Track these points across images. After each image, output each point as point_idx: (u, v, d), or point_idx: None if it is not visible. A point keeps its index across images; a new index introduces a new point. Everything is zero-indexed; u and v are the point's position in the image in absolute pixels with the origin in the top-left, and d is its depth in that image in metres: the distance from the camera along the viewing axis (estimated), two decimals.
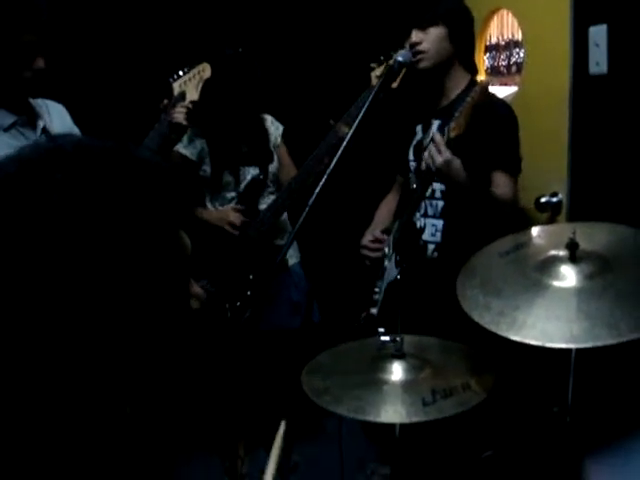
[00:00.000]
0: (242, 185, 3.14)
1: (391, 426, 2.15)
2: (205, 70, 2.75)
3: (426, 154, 2.38)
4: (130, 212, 0.84)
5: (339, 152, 2.19)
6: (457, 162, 2.34)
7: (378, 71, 2.85)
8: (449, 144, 2.29)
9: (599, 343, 1.58)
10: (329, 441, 3.38)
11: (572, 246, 1.77)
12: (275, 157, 3.22)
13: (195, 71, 2.73)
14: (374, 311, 2.72)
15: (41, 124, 2.41)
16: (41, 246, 0.80)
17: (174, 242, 0.90)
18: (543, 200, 2.71)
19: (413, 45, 2.54)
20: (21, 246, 0.80)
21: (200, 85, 2.73)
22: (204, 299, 2.65)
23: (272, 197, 3.18)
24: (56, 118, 2.50)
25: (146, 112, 2.77)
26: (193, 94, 2.71)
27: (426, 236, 2.69)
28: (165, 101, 2.70)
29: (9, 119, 2.32)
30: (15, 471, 0.81)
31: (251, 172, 3.15)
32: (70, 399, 0.83)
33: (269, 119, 3.26)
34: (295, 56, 3.70)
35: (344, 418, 3.05)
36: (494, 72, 3.37)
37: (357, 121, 2.22)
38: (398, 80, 2.62)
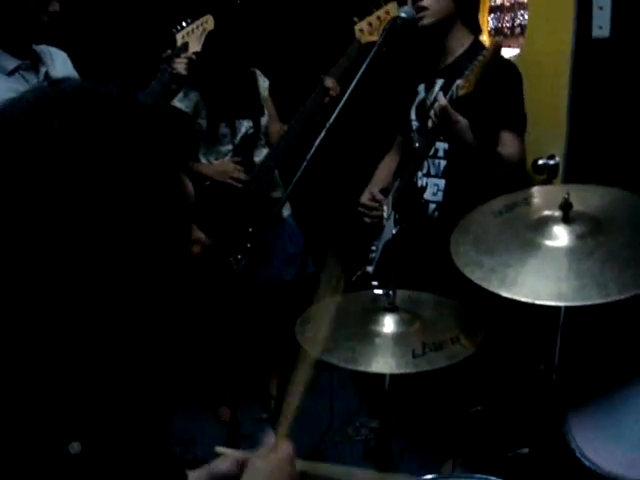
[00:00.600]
0: (238, 137, 3.16)
1: (381, 379, 2.20)
2: (209, 22, 2.76)
3: (432, 114, 2.38)
4: (129, 155, 0.85)
5: (340, 106, 2.20)
6: (463, 122, 2.34)
7: (361, 25, 2.86)
8: (457, 102, 2.29)
9: (588, 302, 1.61)
10: (320, 394, 3.45)
11: (566, 207, 1.80)
12: (265, 111, 3.24)
13: (199, 22, 2.74)
14: (370, 269, 2.75)
15: (43, 69, 2.42)
16: (40, 190, 0.81)
17: (175, 185, 0.91)
18: (540, 162, 2.72)
19: (415, 1, 2.53)
20: (18, 191, 0.82)
21: (203, 37, 2.73)
22: (206, 244, 2.67)
23: (264, 150, 3.21)
24: (59, 64, 2.50)
25: (149, 62, 2.77)
26: (196, 45, 2.72)
27: (427, 195, 2.71)
28: (168, 51, 2.70)
29: (12, 63, 2.33)
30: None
31: (244, 125, 3.16)
32: (70, 332, 0.86)
33: (257, 72, 3.27)
34: (275, 10, 3.67)
35: (335, 372, 3.15)
36: (498, 33, 3.35)
37: (358, 76, 2.23)
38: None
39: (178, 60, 2.64)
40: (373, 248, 2.79)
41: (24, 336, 0.85)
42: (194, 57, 2.69)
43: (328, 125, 2.27)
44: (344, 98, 2.24)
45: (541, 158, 2.73)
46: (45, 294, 0.83)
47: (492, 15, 3.39)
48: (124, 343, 0.92)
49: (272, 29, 3.60)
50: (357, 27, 2.90)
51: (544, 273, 1.72)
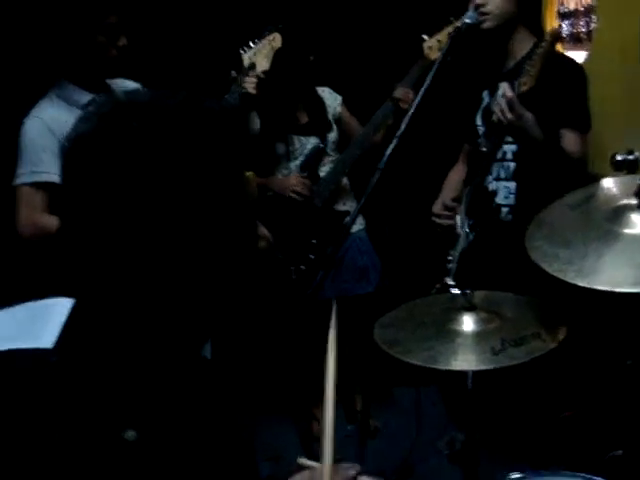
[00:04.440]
0: (299, 154, 3.23)
1: (464, 383, 2.18)
2: (276, 40, 2.81)
3: (497, 108, 2.38)
4: (199, 153, 0.90)
5: (409, 115, 2.23)
6: (529, 116, 2.33)
7: (430, 42, 2.88)
8: (520, 99, 2.29)
9: None
10: (407, 410, 3.44)
11: None
12: (334, 127, 3.30)
13: (265, 41, 2.79)
14: (449, 280, 2.74)
15: None
16: (120, 185, 0.87)
17: (240, 184, 0.95)
18: (619, 157, 2.66)
19: (478, 6, 2.55)
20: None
21: (271, 55, 2.79)
22: (271, 241, 2.70)
23: (331, 165, 3.26)
24: None
25: (217, 83, 2.83)
26: (264, 64, 2.77)
27: (499, 199, 2.69)
28: (234, 73, 2.76)
29: (86, 97, 2.43)
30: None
31: (311, 142, 3.24)
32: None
33: (326, 90, 3.34)
34: (347, 31, 3.72)
35: (422, 388, 3.13)
36: (573, 39, 3.32)
37: (425, 86, 2.26)
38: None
39: (247, 79, 2.70)
40: (450, 258, 2.78)
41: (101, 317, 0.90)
42: (263, 76, 2.74)
43: (399, 134, 2.31)
44: (412, 108, 2.27)
45: (619, 153, 2.68)
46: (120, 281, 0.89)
47: (566, 21, 3.36)
48: (190, 333, 0.96)
49: (342, 47, 3.67)
50: (426, 44, 2.94)
51: (623, 261, 1.69)
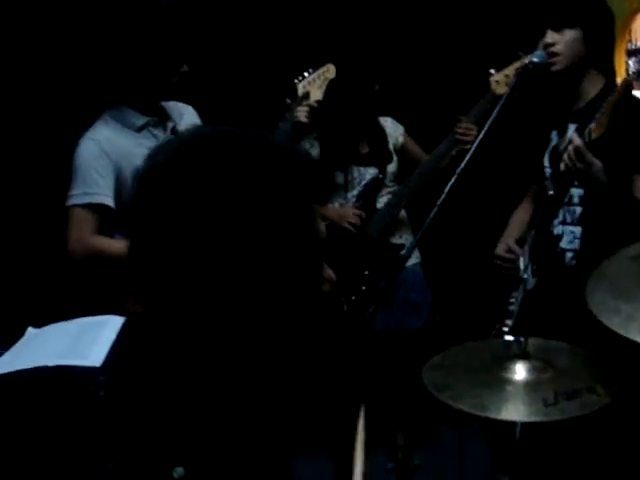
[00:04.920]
0: (358, 184, 3.22)
1: (512, 431, 2.13)
2: (330, 71, 2.86)
3: (565, 156, 2.33)
4: (267, 192, 0.89)
5: (471, 151, 2.20)
6: (598, 164, 2.28)
7: (497, 77, 2.85)
8: (590, 145, 2.24)
9: None
10: (449, 449, 3.38)
11: None
12: (395, 158, 3.28)
13: (320, 72, 2.85)
14: (509, 322, 2.70)
15: (170, 125, 2.54)
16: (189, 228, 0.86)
17: (308, 224, 0.94)
18: None
19: (547, 46, 2.50)
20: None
21: (324, 85, 2.84)
22: (335, 283, 2.70)
23: (389, 197, 3.24)
24: (186, 119, 2.62)
25: (271, 112, 2.89)
26: (317, 94, 2.83)
27: (564, 244, 2.64)
28: (288, 100, 2.81)
29: (141, 120, 2.47)
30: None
31: (370, 172, 3.23)
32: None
33: (389, 120, 3.33)
34: (414, 61, 3.73)
35: (465, 427, 3.08)
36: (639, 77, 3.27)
37: (490, 121, 2.23)
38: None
39: (300, 109, 2.75)
40: (512, 300, 2.73)
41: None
42: (315, 105, 2.79)
43: (459, 171, 2.28)
44: (475, 144, 2.25)
45: None
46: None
47: (633, 58, 3.31)
48: (249, 377, 0.94)
49: (407, 79, 3.67)
50: (493, 78, 2.92)
51: None
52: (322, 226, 0.98)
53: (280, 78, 3.04)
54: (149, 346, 0.91)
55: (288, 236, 0.90)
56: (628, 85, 2.24)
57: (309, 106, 2.77)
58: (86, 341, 0.93)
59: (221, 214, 0.86)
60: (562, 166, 2.36)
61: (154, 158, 0.93)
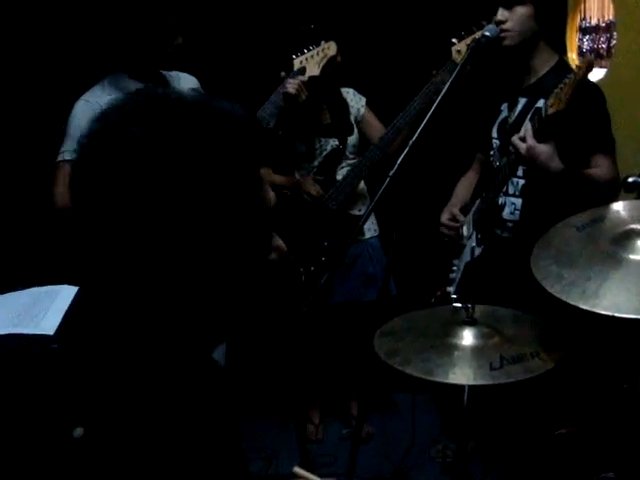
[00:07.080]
0: (319, 155, 3.23)
1: (460, 396, 2.19)
2: (330, 48, 2.89)
3: (513, 149, 2.36)
4: (209, 156, 0.89)
5: (423, 124, 2.23)
6: (547, 152, 2.31)
7: (459, 46, 2.87)
8: (547, 120, 2.25)
9: None
10: (403, 416, 3.45)
11: None
12: (355, 129, 3.28)
13: (319, 49, 2.88)
14: (450, 289, 2.74)
15: None
16: (123, 190, 0.87)
17: (253, 190, 0.94)
18: (631, 180, 2.66)
19: (498, 23, 2.53)
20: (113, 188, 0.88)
21: (323, 62, 2.87)
22: (286, 253, 2.72)
23: (349, 169, 3.25)
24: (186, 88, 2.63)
25: (267, 86, 2.91)
26: (314, 70, 2.86)
27: (505, 214, 2.68)
28: (283, 74, 2.86)
29: (135, 86, 2.48)
30: None
31: (331, 143, 3.23)
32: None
33: (351, 92, 3.33)
34: (376, 32, 3.73)
35: (418, 395, 3.14)
36: (595, 55, 3.31)
37: (442, 93, 2.25)
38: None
39: (290, 81, 2.79)
40: (454, 268, 2.79)
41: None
42: (306, 79, 2.83)
43: (411, 143, 2.30)
44: (428, 115, 2.27)
45: (631, 176, 2.67)
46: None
47: (587, 36, 3.35)
48: (196, 334, 0.96)
49: (369, 47, 3.68)
50: (454, 48, 2.92)
51: (626, 287, 1.69)
52: (270, 193, 0.98)
53: (280, 54, 3.06)
54: (99, 314, 0.91)
55: (231, 202, 0.90)
56: (590, 64, 2.25)
57: (302, 80, 2.81)
58: (39, 309, 0.94)
59: (162, 179, 0.87)
60: (511, 148, 2.38)
61: (108, 117, 0.94)
